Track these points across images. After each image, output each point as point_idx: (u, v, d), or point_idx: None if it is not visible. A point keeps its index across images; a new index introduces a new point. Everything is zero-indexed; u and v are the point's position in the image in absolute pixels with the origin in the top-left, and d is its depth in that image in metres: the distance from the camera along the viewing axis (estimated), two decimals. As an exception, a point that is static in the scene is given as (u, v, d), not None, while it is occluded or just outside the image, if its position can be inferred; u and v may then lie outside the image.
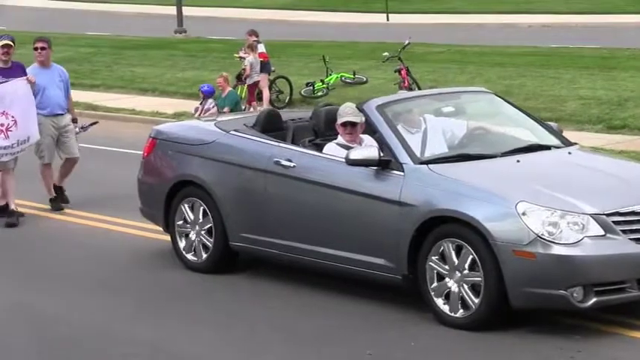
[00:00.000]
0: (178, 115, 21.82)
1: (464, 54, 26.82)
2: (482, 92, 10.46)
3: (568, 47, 27.36)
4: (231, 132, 10.03)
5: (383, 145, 8.95)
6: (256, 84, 21.94)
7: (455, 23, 37.11)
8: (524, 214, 7.98)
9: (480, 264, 8.08)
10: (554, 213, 7.98)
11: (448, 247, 8.28)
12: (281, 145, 9.63)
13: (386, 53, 22.71)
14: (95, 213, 12.67)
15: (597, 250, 7.91)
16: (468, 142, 9.28)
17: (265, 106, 22.07)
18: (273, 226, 9.49)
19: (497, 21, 37.00)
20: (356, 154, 8.84)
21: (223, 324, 8.75)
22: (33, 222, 12.51)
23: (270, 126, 10.03)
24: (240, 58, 22.10)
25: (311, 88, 23.00)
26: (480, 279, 8.09)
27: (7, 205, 12.38)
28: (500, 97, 10.18)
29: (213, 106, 20.77)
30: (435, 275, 8.40)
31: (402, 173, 8.66)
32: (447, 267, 8.30)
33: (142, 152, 10.97)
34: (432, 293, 8.40)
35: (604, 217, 8.01)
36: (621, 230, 8.02)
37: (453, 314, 8.30)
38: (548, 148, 9.38)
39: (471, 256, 8.14)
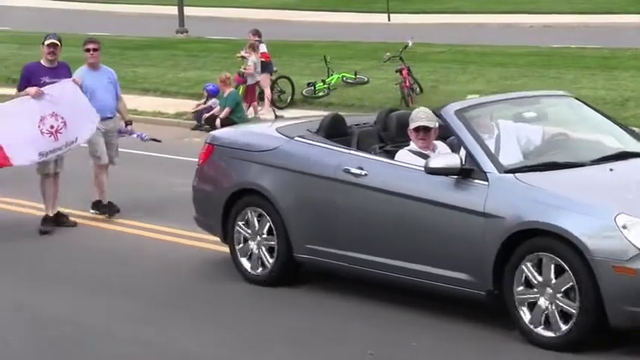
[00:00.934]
0: (180, 115, 21.86)
1: (465, 54, 26.83)
2: (562, 96, 9.82)
3: (569, 47, 27.37)
4: (296, 138, 9.47)
5: (462, 151, 8.39)
6: (256, 84, 21.97)
7: (456, 23, 37.09)
8: (624, 227, 7.46)
9: (574, 279, 7.57)
10: None
11: (539, 261, 7.75)
12: (351, 152, 9.11)
13: (387, 53, 22.72)
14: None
15: None
16: (548, 149, 8.69)
17: (267, 106, 22.15)
18: (343, 238, 8.97)
19: (498, 21, 36.97)
20: (436, 162, 8.31)
21: (229, 325, 8.73)
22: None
23: (335, 131, 9.53)
24: (242, 57, 22.12)
25: (312, 88, 23.01)
26: (574, 295, 7.59)
27: (52, 215, 12.07)
28: (581, 101, 9.60)
29: (215, 106, 20.83)
30: None
31: (485, 183, 8.10)
32: (537, 282, 7.77)
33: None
34: (520, 311, 7.90)
35: None
36: None
37: (543, 332, 7.80)
38: (638, 155, 8.68)
39: (564, 271, 7.62)
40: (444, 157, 8.45)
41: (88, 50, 12.67)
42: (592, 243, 7.49)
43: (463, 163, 8.21)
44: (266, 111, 21.93)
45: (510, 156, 8.36)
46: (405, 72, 21.63)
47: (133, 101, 23.33)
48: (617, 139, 9.05)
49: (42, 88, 11.77)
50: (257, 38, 22.10)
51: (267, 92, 22.22)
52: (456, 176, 8.24)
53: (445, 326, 8.36)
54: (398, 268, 8.57)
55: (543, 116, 9.13)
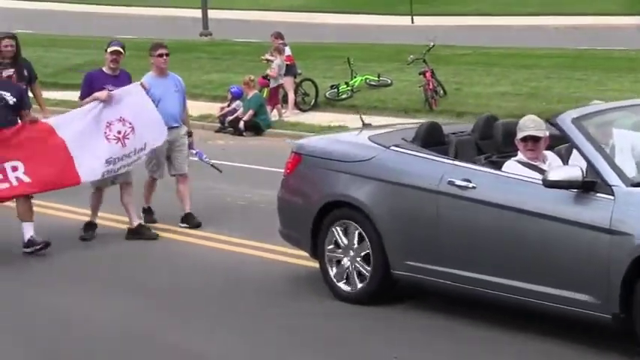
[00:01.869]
0: (204, 118, 21.85)
1: (489, 56, 26.73)
2: None
3: (595, 49, 27.22)
4: (392, 147, 8.90)
5: (572, 160, 7.96)
6: (280, 86, 21.97)
7: (480, 25, 37.01)
8: None
9: None
10: None
11: None
12: (454, 162, 8.53)
13: (411, 55, 22.67)
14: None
15: None
16: None
17: (290, 108, 22.15)
18: (447, 255, 8.37)
19: (522, 23, 36.88)
20: (556, 174, 7.70)
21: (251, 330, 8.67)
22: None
23: (432, 140, 8.99)
24: (267, 60, 22.12)
25: (335, 90, 22.98)
26: None
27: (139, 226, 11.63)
28: None
29: (239, 108, 20.83)
30: None
31: (611, 197, 7.50)
32: None
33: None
34: None
35: None
36: None
37: None
38: None
39: None
40: (564, 169, 7.88)
41: (160, 55, 12.03)
42: None
43: (584, 175, 7.64)
44: (290, 113, 21.93)
45: (630, 168, 7.79)
46: (428, 74, 21.55)
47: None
48: None
49: (111, 92, 11.36)
50: (281, 41, 22.10)
51: (291, 95, 22.22)
52: (576, 190, 7.68)
53: (467, 330, 8.21)
54: (511, 287, 7.99)
55: None
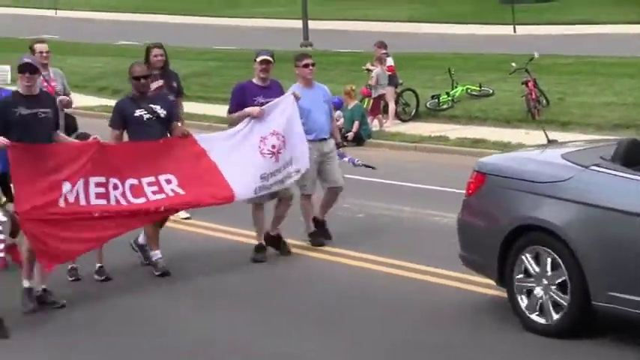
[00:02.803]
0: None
1: (593, 65, 26.33)
2: None
3: None
4: (592, 167, 8.27)
5: None
6: (381, 97, 21.98)
7: (584, 34, 36.50)
8: None
9: None
10: None
11: None
12: None
13: (513, 65, 22.49)
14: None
15: None
16: None
17: (391, 119, 22.15)
18: None
19: (628, 31, 36.25)
20: None
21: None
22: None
23: (635, 159, 8.24)
24: (368, 70, 22.18)
25: (436, 100, 22.91)
26: None
27: (277, 237, 11.35)
28: None
29: (339, 118, 20.89)
30: None
31: None
32: None
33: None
34: None
35: None
36: None
37: None
38: None
39: None
40: None
41: (306, 66, 11.56)
42: None
43: None
44: (390, 124, 21.94)
45: None
46: (531, 84, 21.35)
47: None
48: None
49: (263, 107, 10.96)
50: (383, 51, 22.10)
51: (392, 105, 22.22)
52: None
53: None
54: None
55: None
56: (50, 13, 60.20)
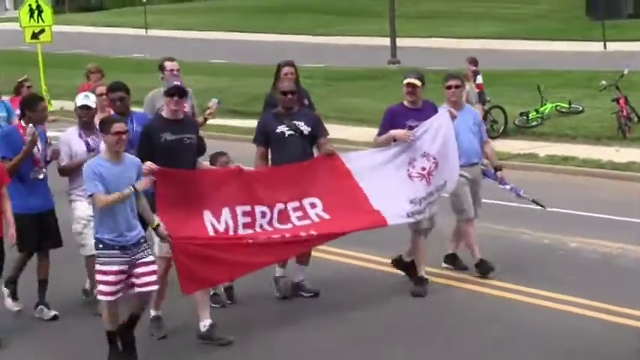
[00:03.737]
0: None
1: (686, 81, 25.87)
2: None
3: None
4: None
5: None
6: (469, 114, 21.84)
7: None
8: None
9: None
10: None
11: None
12: None
13: (603, 82, 22.22)
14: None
15: None
16: None
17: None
18: None
19: None
20: None
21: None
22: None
23: None
24: (457, 87, 22.04)
25: (525, 117, 22.74)
26: None
27: (412, 266, 10.90)
28: None
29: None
30: None
31: None
32: None
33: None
34: None
35: None
36: None
37: None
38: None
39: None
40: None
41: (449, 87, 11.18)
42: None
43: None
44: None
45: None
46: (621, 101, 21.08)
47: (344, 132, 23.69)
48: None
49: (412, 131, 10.53)
50: (473, 67, 21.92)
51: (480, 122, 22.07)
52: None
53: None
54: None
55: None
56: (141, 32, 61.08)
